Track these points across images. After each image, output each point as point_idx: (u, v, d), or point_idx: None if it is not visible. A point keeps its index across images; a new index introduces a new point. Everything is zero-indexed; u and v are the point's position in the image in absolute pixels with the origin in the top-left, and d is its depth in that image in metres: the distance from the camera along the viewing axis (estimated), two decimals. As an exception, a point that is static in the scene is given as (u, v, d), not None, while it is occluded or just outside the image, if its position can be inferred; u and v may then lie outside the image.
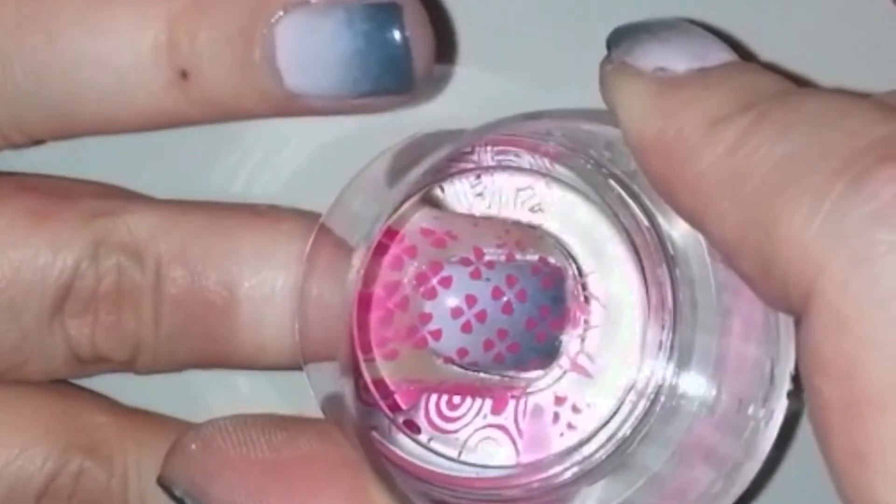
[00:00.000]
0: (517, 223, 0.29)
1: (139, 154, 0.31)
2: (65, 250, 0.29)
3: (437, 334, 0.28)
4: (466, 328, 0.28)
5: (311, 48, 0.27)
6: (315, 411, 0.29)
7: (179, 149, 0.31)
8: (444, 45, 0.30)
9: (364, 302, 0.28)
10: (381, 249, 0.28)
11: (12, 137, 0.29)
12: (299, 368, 0.29)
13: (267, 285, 0.29)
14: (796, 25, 0.31)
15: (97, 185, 0.30)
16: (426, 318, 0.28)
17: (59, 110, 0.28)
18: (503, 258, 0.28)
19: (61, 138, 0.29)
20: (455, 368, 0.28)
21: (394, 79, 0.27)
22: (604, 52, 0.27)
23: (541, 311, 0.28)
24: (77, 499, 0.30)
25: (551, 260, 0.28)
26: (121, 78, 0.28)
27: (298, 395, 0.30)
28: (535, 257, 0.28)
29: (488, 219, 0.29)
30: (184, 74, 0.28)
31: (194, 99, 0.28)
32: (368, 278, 0.28)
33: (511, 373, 0.28)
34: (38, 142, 0.30)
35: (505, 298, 0.28)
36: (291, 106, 0.28)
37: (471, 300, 0.28)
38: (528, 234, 0.29)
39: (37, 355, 0.29)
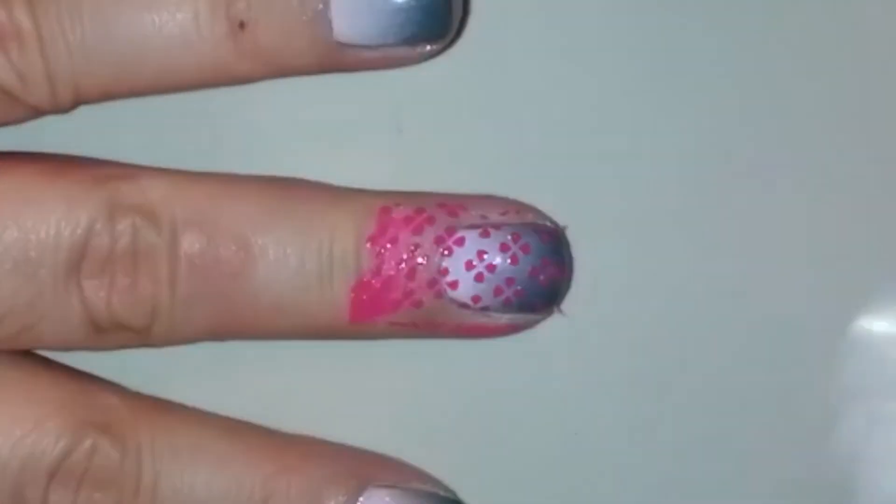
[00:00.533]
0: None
1: (144, 151, 0.32)
2: (79, 208, 0.30)
3: (454, 285, 0.32)
4: (479, 278, 0.32)
5: None
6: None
7: (180, 150, 0.32)
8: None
9: (392, 262, 0.32)
10: (407, 221, 0.32)
11: (62, 95, 0.30)
12: (318, 337, 0.32)
13: (281, 245, 0.30)
14: (797, 25, 0.32)
15: (108, 160, 0.31)
16: (444, 271, 0.32)
17: (123, 61, 0.29)
18: (506, 220, 0.33)
19: (106, 98, 0.30)
20: (470, 312, 0.33)
21: (436, 23, 0.30)
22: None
23: (542, 261, 0.33)
24: (90, 477, 0.30)
25: (548, 222, 0.33)
26: (184, 27, 0.29)
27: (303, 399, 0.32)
28: (535, 219, 0.33)
29: (493, 195, 0.33)
30: (241, 26, 0.29)
31: (247, 50, 0.30)
32: (396, 244, 0.32)
33: (518, 314, 0.33)
34: (77, 104, 0.30)
35: (511, 251, 0.32)
36: (335, 58, 0.30)
37: (481, 255, 0.32)
38: (528, 205, 0.33)
39: (52, 315, 0.30)
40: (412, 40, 0.31)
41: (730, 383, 0.33)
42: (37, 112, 0.30)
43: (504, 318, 0.33)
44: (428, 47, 0.31)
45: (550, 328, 0.33)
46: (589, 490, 0.33)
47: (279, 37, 0.30)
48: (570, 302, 0.33)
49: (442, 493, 0.33)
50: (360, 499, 0.32)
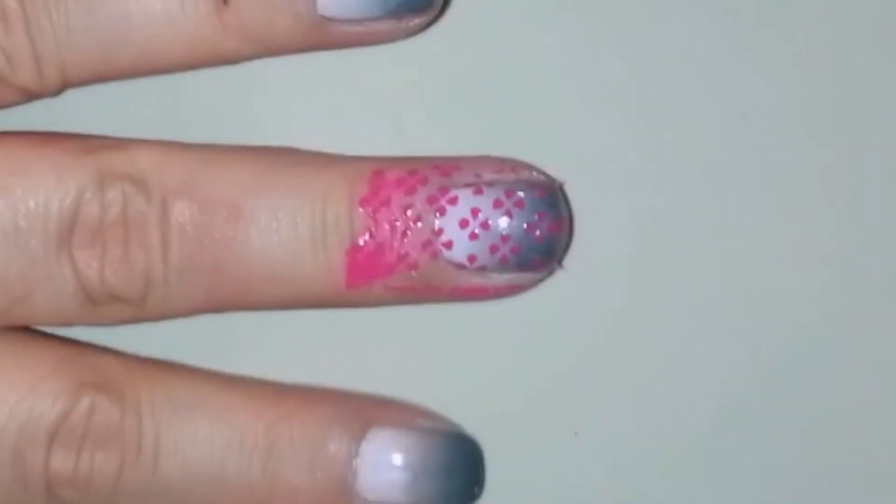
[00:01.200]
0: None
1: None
2: (67, 176, 0.29)
3: (448, 245, 0.32)
4: (473, 237, 0.32)
5: None
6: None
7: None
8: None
9: (385, 223, 0.32)
10: (399, 182, 0.32)
11: (49, 76, 0.30)
12: (314, 304, 0.31)
13: (273, 210, 0.30)
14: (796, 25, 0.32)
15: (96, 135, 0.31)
16: (438, 231, 0.32)
17: (106, 39, 0.29)
18: (501, 178, 0.32)
19: (94, 79, 0.30)
20: (466, 274, 0.32)
21: None
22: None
23: (538, 215, 0.32)
24: (91, 436, 0.30)
25: (543, 177, 0.32)
26: (166, 4, 0.29)
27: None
28: (530, 175, 0.32)
29: (488, 155, 0.33)
30: (225, 1, 0.29)
31: (231, 26, 0.30)
32: (389, 206, 0.32)
33: (516, 274, 0.32)
34: (64, 87, 0.30)
35: (505, 207, 0.32)
36: (319, 32, 0.30)
37: (475, 211, 0.32)
38: (524, 162, 0.33)
39: (45, 287, 0.30)
40: (397, 12, 0.30)
41: (731, 383, 0.33)
42: (25, 94, 0.30)
43: (503, 279, 0.32)
44: (414, 20, 0.31)
45: (551, 329, 0.33)
46: (589, 490, 0.33)
47: (263, 12, 0.30)
48: (571, 299, 0.33)
49: (448, 428, 0.32)
50: (365, 439, 0.31)
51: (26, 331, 0.31)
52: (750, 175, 0.32)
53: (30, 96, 0.30)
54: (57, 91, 0.30)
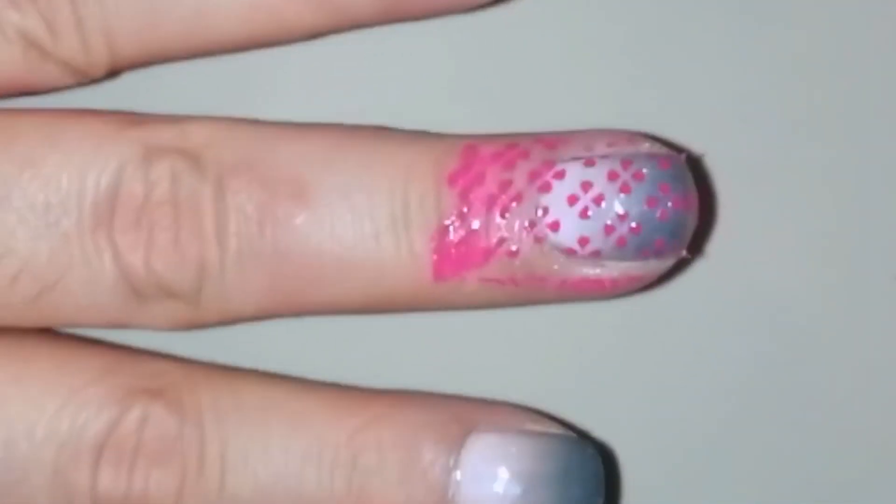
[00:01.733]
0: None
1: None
2: (107, 149, 0.26)
3: (555, 226, 0.27)
4: (584, 214, 0.27)
5: None
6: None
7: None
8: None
9: (479, 202, 0.27)
10: (495, 157, 0.27)
11: (94, 46, 0.26)
12: (395, 303, 0.27)
13: (346, 189, 0.26)
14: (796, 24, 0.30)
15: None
16: (544, 211, 0.27)
17: (155, 3, 0.26)
18: (615, 151, 0.27)
19: (144, 52, 0.27)
20: (578, 262, 0.27)
21: None
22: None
23: (660, 188, 0.27)
24: (144, 451, 0.26)
25: (665, 149, 0.27)
26: None
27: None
28: (651, 146, 0.27)
29: (599, 129, 0.28)
30: None
31: None
32: (483, 182, 0.27)
33: (636, 262, 0.27)
34: (113, 68, 0.27)
35: (621, 179, 0.27)
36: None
37: (586, 186, 0.27)
38: (642, 135, 0.28)
39: (79, 274, 0.26)
40: None
41: (732, 384, 0.30)
42: (70, 72, 0.27)
43: (620, 268, 0.27)
44: None
45: (551, 329, 0.30)
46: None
47: None
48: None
49: (560, 433, 0.27)
50: (465, 446, 0.27)
51: (69, 335, 0.28)
52: (750, 175, 0.30)
53: (76, 76, 0.27)
54: (106, 69, 0.27)
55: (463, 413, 0.27)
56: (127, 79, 0.28)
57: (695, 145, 0.29)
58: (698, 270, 0.30)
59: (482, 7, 0.28)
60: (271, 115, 0.28)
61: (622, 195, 0.27)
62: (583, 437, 0.28)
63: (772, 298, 0.30)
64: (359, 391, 0.28)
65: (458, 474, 0.27)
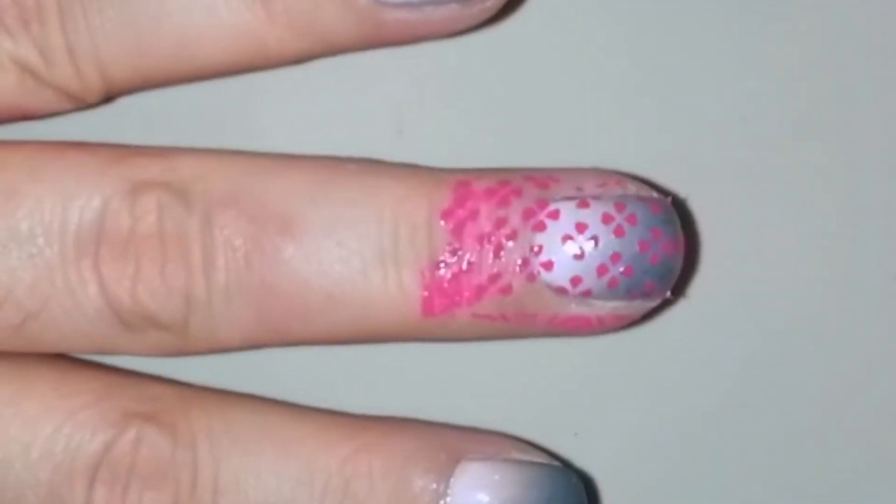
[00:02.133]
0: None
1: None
2: (91, 182, 0.26)
3: (548, 265, 0.27)
4: (578, 256, 0.27)
5: None
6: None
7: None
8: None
9: (472, 239, 0.27)
10: (489, 194, 0.28)
11: (87, 73, 0.27)
12: (383, 336, 0.27)
13: (334, 222, 0.26)
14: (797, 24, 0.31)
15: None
16: (537, 249, 0.27)
17: (141, 30, 0.26)
18: (605, 192, 0.28)
19: (137, 78, 0.27)
20: (567, 301, 0.27)
21: None
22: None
23: (652, 232, 0.27)
24: (138, 472, 0.27)
25: (653, 192, 0.28)
26: None
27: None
28: (639, 189, 0.28)
29: (588, 167, 0.29)
30: None
31: (276, 14, 0.26)
32: (477, 218, 0.27)
33: (624, 302, 0.28)
34: (108, 92, 0.27)
35: (615, 222, 0.27)
36: (373, 20, 0.27)
37: (581, 227, 0.27)
38: (629, 176, 0.28)
39: (62, 303, 0.26)
40: None
41: (732, 384, 0.31)
42: (65, 97, 0.27)
43: (608, 307, 0.28)
44: (481, 3, 0.27)
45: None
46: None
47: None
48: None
49: (548, 462, 0.28)
50: (454, 474, 0.27)
51: (67, 357, 0.28)
52: (750, 175, 0.30)
53: (71, 101, 0.27)
54: (100, 94, 0.27)
55: (452, 442, 0.28)
56: (122, 102, 0.28)
57: (694, 145, 0.30)
58: (698, 271, 0.30)
59: (462, 32, 0.28)
60: (262, 141, 0.28)
61: (616, 238, 0.27)
62: (566, 466, 0.29)
63: (772, 299, 0.31)
64: (350, 418, 0.28)
65: (447, 501, 0.27)
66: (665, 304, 0.29)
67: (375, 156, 0.29)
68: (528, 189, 0.27)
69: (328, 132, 0.29)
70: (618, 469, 0.31)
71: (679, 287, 0.29)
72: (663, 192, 0.28)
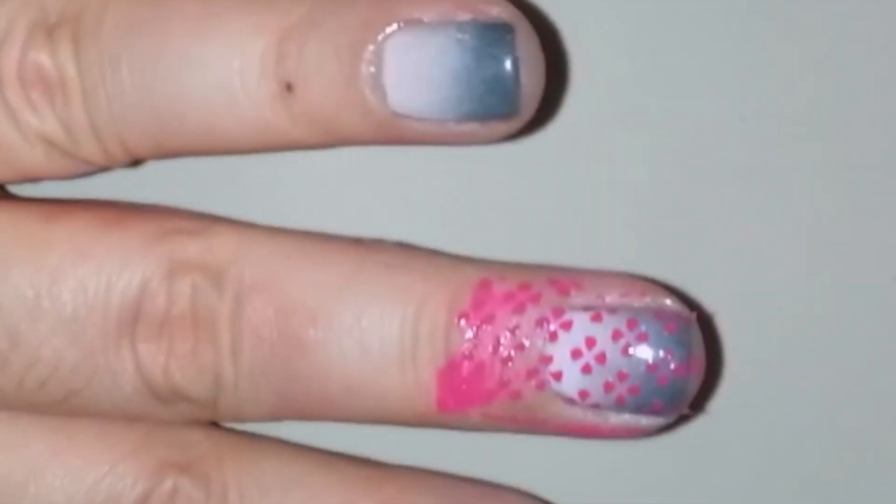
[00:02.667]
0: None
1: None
2: (134, 263, 0.27)
3: (557, 375, 0.27)
4: (586, 370, 0.27)
5: (418, 64, 0.26)
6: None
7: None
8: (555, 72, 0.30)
9: (486, 343, 0.28)
10: (507, 298, 0.28)
11: (112, 149, 0.28)
12: (399, 424, 0.28)
13: (358, 318, 0.27)
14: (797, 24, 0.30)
15: (176, 209, 0.29)
16: (547, 359, 0.27)
17: (163, 115, 0.27)
18: (626, 303, 0.27)
19: (161, 153, 0.28)
20: (577, 410, 0.28)
21: (499, 99, 0.26)
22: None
23: (664, 353, 0.27)
24: None
25: (677, 307, 0.27)
26: (226, 85, 0.27)
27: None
28: (661, 302, 0.27)
29: (615, 273, 0.28)
30: (289, 87, 0.27)
31: (296, 113, 0.27)
32: (492, 323, 0.28)
33: (635, 416, 0.28)
34: (136, 161, 0.28)
35: (624, 340, 0.27)
36: (392, 128, 0.27)
37: (590, 342, 0.27)
38: (656, 286, 0.28)
39: (103, 381, 0.27)
40: (474, 116, 0.27)
41: (731, 384, 0.31)
42: (92, 165, 0.28)
43: (619, 419, 0.27)
44: (503, 126, 0.27)
45: None
46: (590, 491, 0.31)
47: (330, 101, 0.27)
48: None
49: None
50: None
51: None
52: (750, 176, 0.30)
53: (98, 168, 0.28)
54: (127, 164, 0.28)
55: (468, 499, 0.29)
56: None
57: (694, 145, 0.30)
58: (698, 271, 0.30)
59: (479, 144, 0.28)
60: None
61: (622, 357, 0.27)
62: None
63: (771, 299, 0.30)
64: (372, 469, 0.29)
65: None
66: (683, 420, 0.28)
67: (377, 163, 0.29)
68: (547, 295, 0.27)
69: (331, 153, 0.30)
70: (617, 470, 0.31)
71: (698, 402, 0.28)
72: (689, 308, 0.28)
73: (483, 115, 0.27)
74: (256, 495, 0.28)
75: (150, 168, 0.29)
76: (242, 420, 0.29)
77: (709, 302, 0.30)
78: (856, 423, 0.31)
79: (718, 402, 0.30)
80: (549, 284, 0.28)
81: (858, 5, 0.30)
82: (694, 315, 0.27)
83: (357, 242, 0.28)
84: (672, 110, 0.30)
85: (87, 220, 0.28)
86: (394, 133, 0.27)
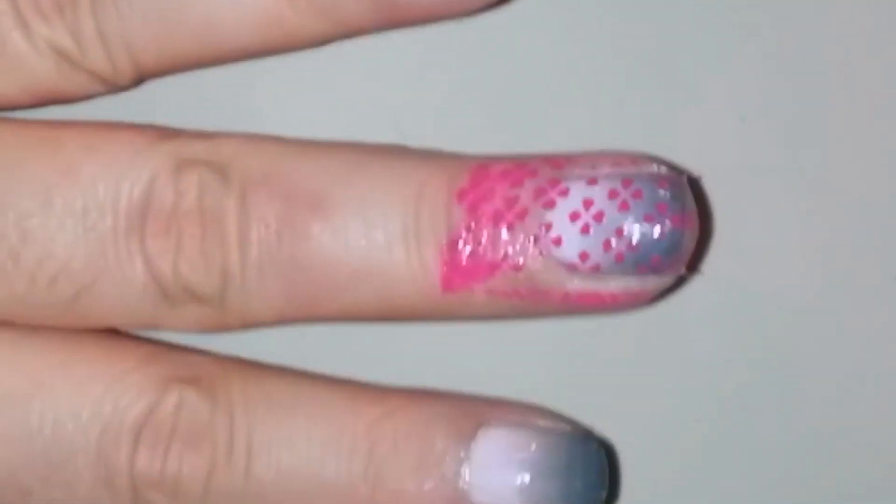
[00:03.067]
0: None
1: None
2: (142, 160, 0.28)
3: (557, 241, 0.28)
4: (585, 230, 0.28)
5: None
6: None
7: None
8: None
9: (486, 218, 0.28)
10: (504, 175, 0.29)
11: (118, 58, 0.28)
12: (405, 313, 0.28)
13: (361, 202, 0.28)
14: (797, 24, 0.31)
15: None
16: (547, 226, 0.28)
17: (166, 13, 0.28)
18: (618, 171, 0.28)
19: (165, 61, 0.28)
20: (579, 277, 0.28)
21: None
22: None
23: (658, 207, 0.28)
24: (179, 433, 0.28)
25: (667, 170, 0.28)
26: None
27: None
28: (652, 167, 0.28)
29: (604, 150, 0.29)
30: None
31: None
32: (491, 198, 0.28)
33: (635, 278, 0.28)
34: (139, 77, 0.29)
35: (620, 197, 0.28)
36: (388, 3, 0.28)
37: (587, 203, 0.28)
38: (646, 156, 0.29)
39: (113, 277, 0.28)
40: None
41: (732, 384, 0.31)
42: (99, 81, 0.29)
43: (620, 284, 0.28)
44: None
45: (552, 330, 0.31)
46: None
47: None
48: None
49: (566, 428, 0.29)
50: (475, 439, 0.28)
51: (115, 329, 0.30)
52: (750, 176, 0.30)
53: (104, 85, 0.29)
54: (132, 78, 0.29)
55: (474, 408, 0.29)
56: (147, 89, 0.30)
57: (694, 145, 0.30)
58: (698, 271, 0.30)
59: (480, 11, 0.29)
60: (282, 127, 0.29)
61: (620, 213, 0.28)
62: (587, 432, 0.30)
63: (771, 299, 0.31)
64: (376, 387, 0.30)
65: (468, 464, 0.28)
66: (681, 281, 0.29)
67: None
68: (542, 169, 0.28)
69: (329, 133, 0.30)
70: (617, 471, 0.31)
71: (694, 263, 0.29)
72: (680, 171, 0.29)
73: None
74: (261, 410, 0.28)
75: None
76: (250, 322, 0.29)
77: (709, 301, 0.31)
78: (856, 424, 0.31)
79: (721, 402, 0.31)
80: (544, 161, 0.29)
81: (858, 5, 0.30)
82: (685, 176, 0.28)
83: (352, 141, 0.29)
84: (672, 110, 0.30)
85: (94, 125, 0.29)
86: (389, 6, 0.28)
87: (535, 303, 0.28)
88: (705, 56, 0.30)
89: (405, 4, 0.28)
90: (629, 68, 0.30)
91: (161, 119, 0.30)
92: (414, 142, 0.30)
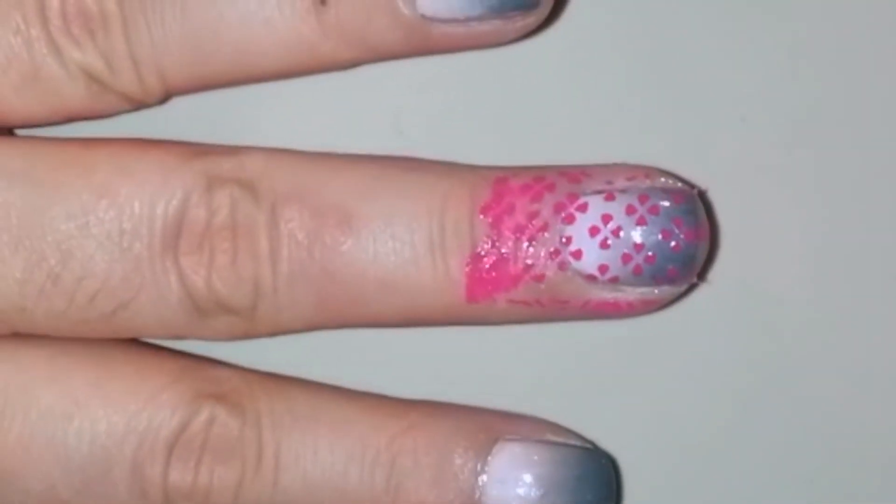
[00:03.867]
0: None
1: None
2: (174, 178, 0.29)
3: (577, 254, 0.29)
4: (604, 245, 0.29)
5: None
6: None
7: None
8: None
9: (508, 231, 0.30)
10: (524, 189, 0.30)
11: (148, 79, 0.29)
12: (431, 320, 0.30)
13: (388, 215, 0.29)
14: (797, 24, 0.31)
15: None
16: (567, 240, 0.30)
17: (200, 38, 0.28)
18: (634, 185, 0.30)
19: (196, 81, 0.29)
20: (598, 286, 0.30)
21: None
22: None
23: (674, 222, 0.29)
24: (210, 448, 0.29)
25: (680, 184, 0.30)
26: (262, 4, 0.28)
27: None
28: (665, 181, 0.30)
29: (618, 163, 0.31)
30: (323, 1, 0.28)
31: (329, 26, 0.28)
32: (513, 212, 0.30)
33: (651, 287, 0.30)
34: (168, 95, 0.29)
35: (638, 213, 0.29)
36: (421, 33, 0.28)
37: (606, 218, 0.29)
38: (659, 169, 0.30)
39: (149, 293, 0.29)
40: (500, 11, 0.29)
41: (732, 384, 0.32)
42: (128, 101, 0.30)
43: (636, 293, 0.30)
44: (522, 20, 0.29)
45: (552, 331, 0.31)
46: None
47: (361, 11, 0.28)
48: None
49: (579, 444, 0.30)
50: (492, 453, 0.30)
51: (143, 344, 0.31)
52: (750, 175, 0.31)
53: (133, 103, 0.30)
54: (160, 98, 0.30)
55: (490, 423, 0.30)
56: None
57: (694, 145, 0.31)
58: (706, 279, 0.31)
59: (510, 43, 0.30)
60: (282, 127, 0.30)
61: (639, 228, 0.29)
62: (596, 447, 0.31)
63: (772, 299, 0.31)
64: (396, 400, 0.31)
65: (484, 478, 0.30)
66: (692, 288, 0.30)
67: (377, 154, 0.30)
68: (560, 184, 0.30)
69: (328, 133, 0.31)
70: (617, 471, 0.32)
71: (702, 273, 0.30)
72: (690, 185, 0.30)
73: (504, 7, 0.29)
74: (288, 423, 0.30)
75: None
76: (279, 330, 0.30)
77: (708, 301, 0.31)
78: (855, 423, 0.31)
79: (721, 402, 0.32)
80: (561, 175, 0.30)
81: (858, 5, 0.30)
82: (696, 190, 0.30)
83: (376, 155, 0.30)
84: (672, 110, 0.31)
85: (125, 144, 0.30)
86: (421, 39, 0.29)
87: (555, 311, 0.30)
88: (705, 56, 0.31)
89: (439, 36, 0.29)
90: (629, 68, 0.31)
91: (161, 119, 0.30)
92: (414, 142, 0.31)
